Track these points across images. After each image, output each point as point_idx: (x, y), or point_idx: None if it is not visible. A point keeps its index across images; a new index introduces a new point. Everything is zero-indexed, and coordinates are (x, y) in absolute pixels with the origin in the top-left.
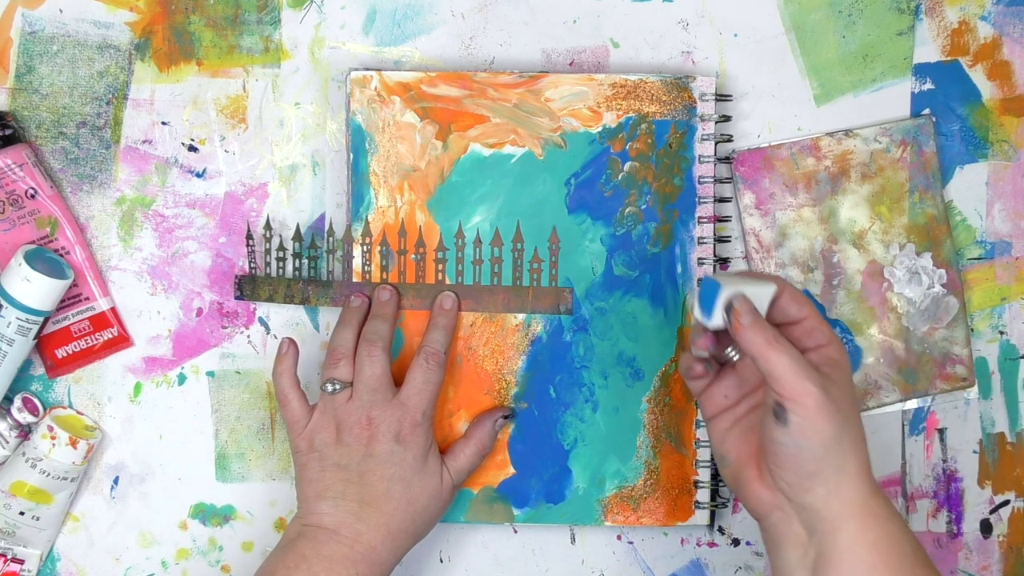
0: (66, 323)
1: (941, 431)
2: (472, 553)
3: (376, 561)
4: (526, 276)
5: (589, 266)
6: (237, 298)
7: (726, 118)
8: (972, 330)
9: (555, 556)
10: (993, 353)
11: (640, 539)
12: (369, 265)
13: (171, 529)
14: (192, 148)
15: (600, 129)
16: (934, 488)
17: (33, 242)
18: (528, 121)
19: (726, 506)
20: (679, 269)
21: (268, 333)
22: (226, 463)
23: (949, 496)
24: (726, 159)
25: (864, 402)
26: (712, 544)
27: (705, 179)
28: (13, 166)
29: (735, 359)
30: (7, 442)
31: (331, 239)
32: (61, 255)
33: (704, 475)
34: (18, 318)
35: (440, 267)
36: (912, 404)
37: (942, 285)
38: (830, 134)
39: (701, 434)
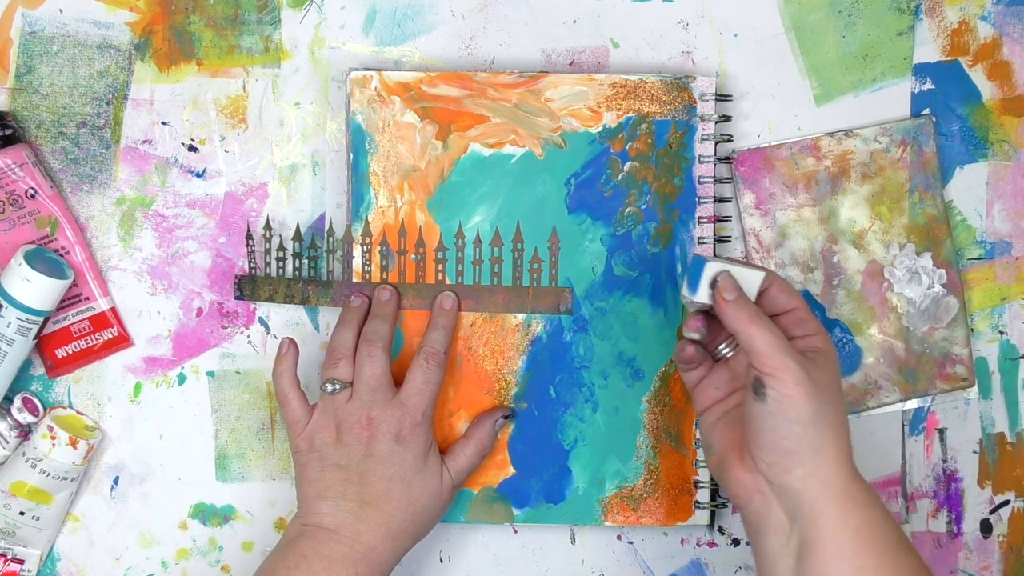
0: (66, 323)
1: (941, 431)
2: (472, 553)
3: (376, 561)
4: (526, 276)
5: (589, 266)
6: (237, 298)
7: (726, 118)
8: (972, 330)
9: (555, 556)
10: (993, 353)
11: (640, 539)
12: (369, 265)
13: (171, 529)
14: (192, 148)
15: (600, 129)
16: (934, 488)
17: (33, 242)
18: (528, 121)
19: (726, 506)
20: (679, 269)
21: (268, 333)
22: (226, 463)
23: (949, 496)
24: (726, 159)
25: (864, 402)
26: (712, 544)
27: (705, 179)
28: (13, 166)
29: (729, 355)
30: (7, 442)
31: (331, 239)
32: (61, 255)
33: (704, 475)
34: (18, 318)
35: (440, 267)
36: (912, 404)
37: (942, 285)
38: (830, 134)
39: None
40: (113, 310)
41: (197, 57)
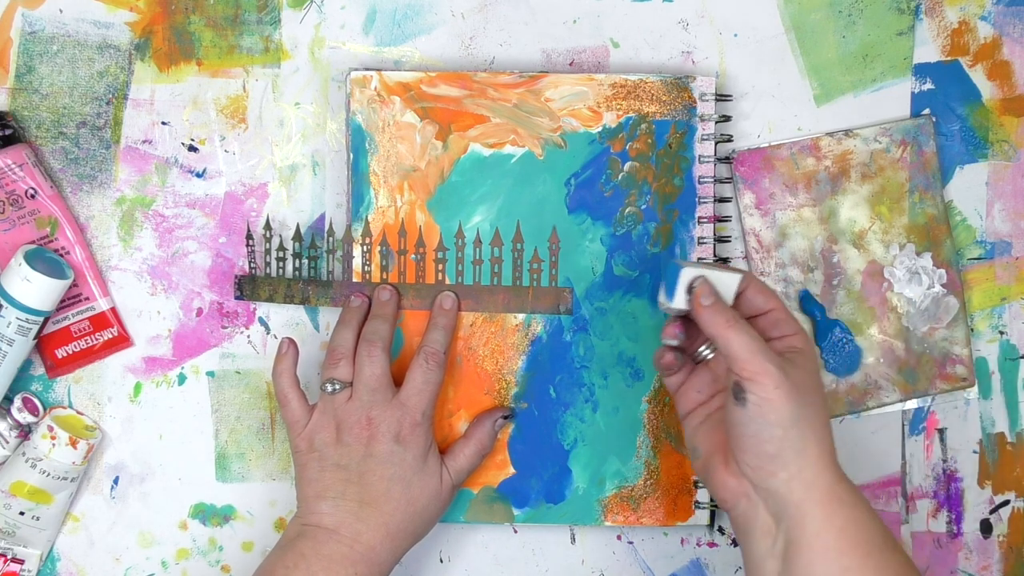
0: (66, 323)
1: (941, 431)
2: (472, 553)
3: (375, 561)
4: (526, 276)
5: (589, 266)
6: (237, 298)
7: (726, 118)
8: (972, 330)
9: (555, 556)
10: (993, 353)
11: (640, 539)
12: (369, 265)
13: (171, 529)
14: (192, 148)
15: (600, 129)
16: (934, 488)
17: (33, 242)
18: (528, 121)
19: None
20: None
21: (268, 333)
22: (226, 463)
23: (949, 496)
24: (726, 159)
25: (864, 402)
26: (712, 544)
27: (705, 179)
28: (13, 166)
29: (709, 357)
30: (7, 442)
31: (331, 239)
32: (61, 255)
33: None
34: (18, 318)
35: (440, 267)
36: (912, 404)
37: (942, 285)
38: (830, 134)
39: None
40: (113, 310)
41: (197, 57)
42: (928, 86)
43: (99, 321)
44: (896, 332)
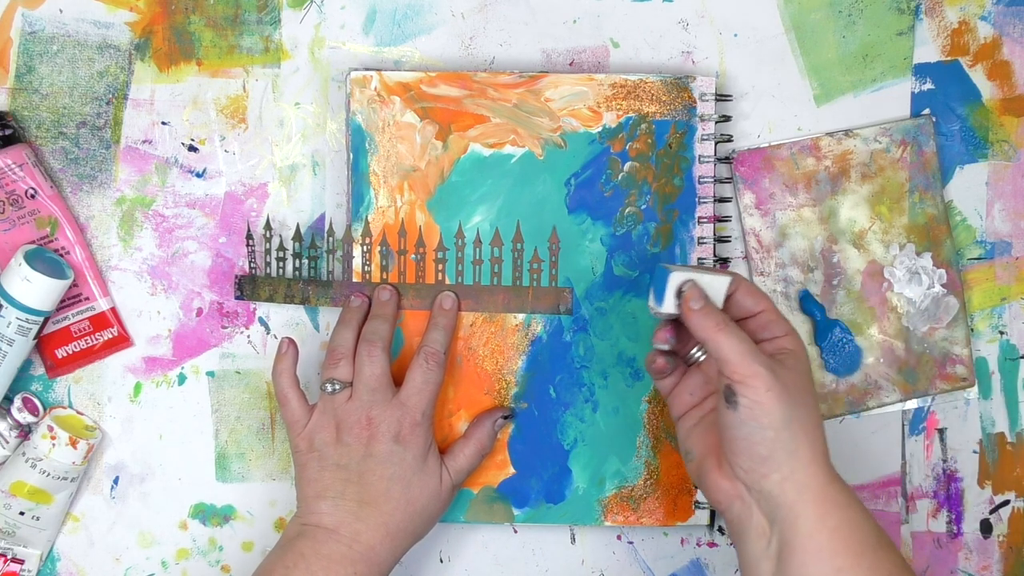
0: (66, 323)
1: (941, 431)
2: (472, 553)
3: (375, 561)
4: (526, 276)
5: (589, 266)
6: (237, 298)
7: (726, 118)
8: (972, 330)
9: (555, 556)
10: (993, 353)
11: (640, 539)
12: (369, 265)
13: (171, 529)
14: (192, 148)
15: (600, 129)
16: (934, 488)
17: (33, 242)
18: (528, 121)
19: None
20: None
21: (268, 333)
22: (226, 463)
23: (949, 496)
24: (726, 159)
25: (864, 402)
26: (712, 544)
27: (705, 179)
28: (13, 166)
29: (701, 359)
30: (7, 442)
31: (331, 239)
32: (61, 255)
33: None
34: (18, 318)
35: (440, 267)
36: (912, 404)
37: (942, 285)
38: (830, 134)
39: None
40: (113, 310)
41: (197, 57)
42: (928, 86)
43: (99, 321)
44: (896, 332)
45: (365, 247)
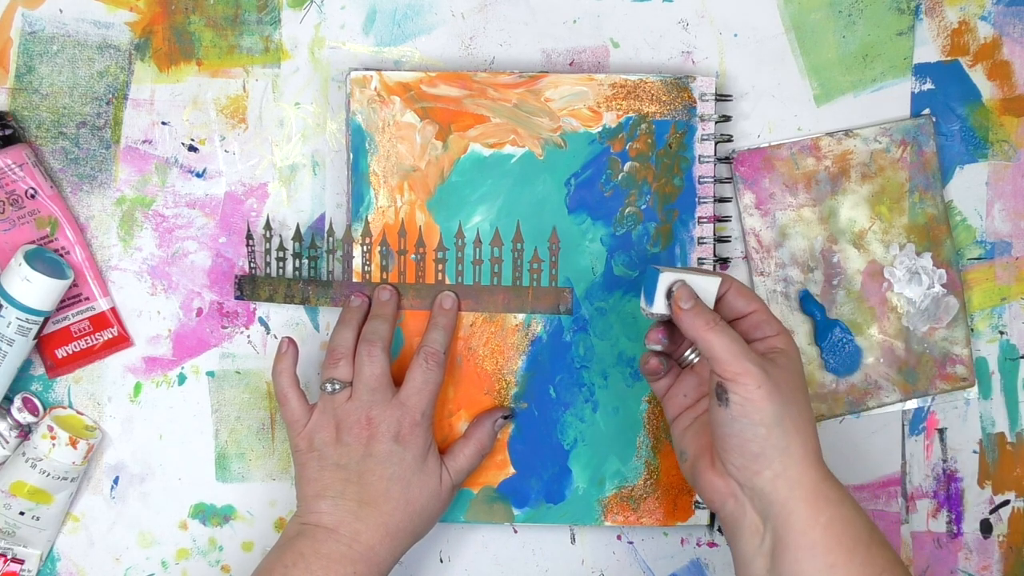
0: (66, 323)
1: (941, 431)
2: (472, 553)
3: (374, 560)
4: (526, 276)
5: (589, 266)
6: (237, 298)
7: (726, 118)
8: (972, 330)
9: (555, 556)
10: (993, 353)
11: (640, 539)
12: (369, 265)
13: (171, 529)
14: (192, 148)
15: (600, 129)
16: (934, 488)
17: (33, 242)
18: (528, 121)
19: None
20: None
21: (268, 333)
22: (226, 463)
23: (949, 496)
24: (726, 159)
25: (864, 402)
26: (712, 544)
27: (705, 179)
28: (13, 166)
29: (695, 361)
30: (7, 442)
31: (331, 239)
32: (61, 255)
33: None
34: (18, 318)
35: (440, 267)
36: (912, 404)
37: (942, 285)
38: (830, 134)
39: None
40: (113, 310)
41: (197, 57)
42: (928, 86)
43: (99, 321)
44: (896, 332)
45: (365, 247)
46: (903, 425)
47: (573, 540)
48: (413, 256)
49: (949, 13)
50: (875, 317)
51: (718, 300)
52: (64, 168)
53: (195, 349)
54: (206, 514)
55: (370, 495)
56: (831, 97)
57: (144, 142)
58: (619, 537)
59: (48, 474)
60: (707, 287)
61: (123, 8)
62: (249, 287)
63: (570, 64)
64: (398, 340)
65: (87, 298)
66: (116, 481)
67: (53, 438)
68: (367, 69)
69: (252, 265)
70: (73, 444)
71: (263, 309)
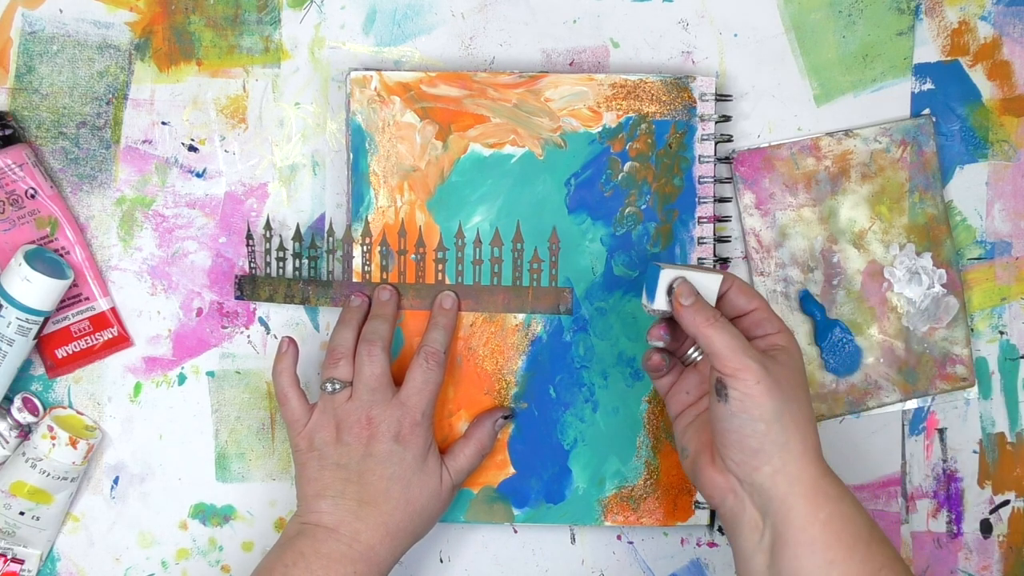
0: (66, 323)
1: (941, 431)
2: (472, 553)
3: (374, 560)
4: (526, 276)
5: (589, 266)
6: (237, 298)
7: (726, 118)
8: (972, 330)
9: (555, 556)
10: (993, 353)
11: (640, 539)
12: (369, 265)
13: (171, 529)
14: (192, 148)
15: (600, 129)
16: (934, 488)
17: (33, 242)
18: (528, 121)
19: None
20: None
21: (268, 333)
22: (226, 463)
23: (949, 496)
24: (726, 159)
25: (864, 402)
26: (712, 544)
27: (705, 179)
28: (13, 166)
29: (698, 359)
30: (7, 442)
31: (331, 239)
32: (61, 255)
33: None
34: (18, 318)
35: (440, 267)
36: (912, 404)
37: (942, 285)
38: (830, 134)
39: None
40: (113, 310)
41: (197, 57)
42: (928, 86)
43: (99, 321)
44: (896, 332)
45: (365, 247)
46: (903, 425)
47: (573, 540)
48: (413, 256)
49: (949, 13)
50: (875, 317)
51: (720, 298)
52: (64, 168)
53: (195, 349)
54: (206, 514)
55: (370, 495)
56: (831, 97)
57: (144, 142)
58: (619, 537)
59: (48, 474)
60: (709, 284)
61: (123, 8)
62: (249, 287)
63: (570, 64)
64: (398, 340)
65: (87, 298)
66: (116, 481)
67: (53, 438)
68: (367, 69)
69: (252, 265)
70: (73, 444)
71: (263, 309)
